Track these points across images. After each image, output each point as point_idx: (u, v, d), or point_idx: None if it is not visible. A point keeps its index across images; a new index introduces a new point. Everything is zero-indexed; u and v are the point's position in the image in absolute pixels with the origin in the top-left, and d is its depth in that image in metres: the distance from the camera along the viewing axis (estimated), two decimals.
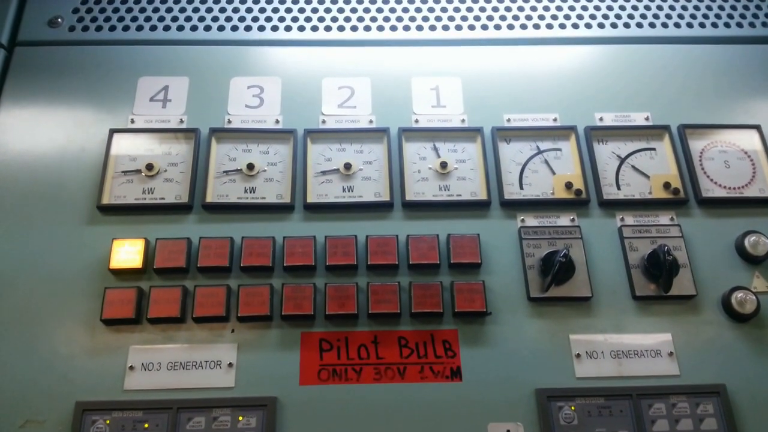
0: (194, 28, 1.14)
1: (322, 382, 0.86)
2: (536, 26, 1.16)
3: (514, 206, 1.00)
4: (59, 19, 1.15)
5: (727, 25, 1.17)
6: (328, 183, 1.01)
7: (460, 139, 1.05)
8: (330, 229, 0.96)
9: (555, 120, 1.07)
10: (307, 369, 0.87)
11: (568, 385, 0.87)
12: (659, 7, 1.20)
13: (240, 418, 0.82)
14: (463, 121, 1.07)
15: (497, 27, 1.16)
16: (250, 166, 0.99)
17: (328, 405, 0.85)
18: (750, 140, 1.06)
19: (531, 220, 0.99)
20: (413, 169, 1.02)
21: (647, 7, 1.20)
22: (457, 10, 1.18)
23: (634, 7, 1.20)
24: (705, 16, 1.19)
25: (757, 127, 1.06)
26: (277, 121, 1.05)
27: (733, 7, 1.20)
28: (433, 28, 1.16)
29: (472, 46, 1.13)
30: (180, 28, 1.14)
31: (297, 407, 0.84)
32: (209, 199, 0.97)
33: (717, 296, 0.93)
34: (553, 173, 1.02)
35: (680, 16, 1.19)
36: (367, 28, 1.15)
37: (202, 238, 0.93)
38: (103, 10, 1.16)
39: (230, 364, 0.86)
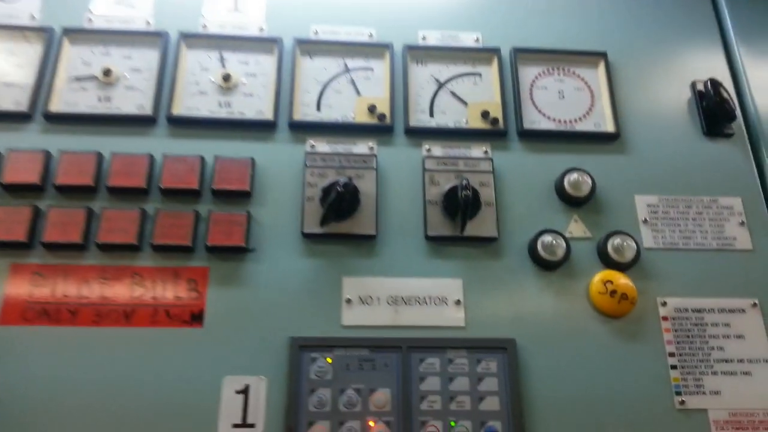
0: None
1: (27, 322, 0.70)
2: None
3: (306, 129, 0.84)
4: None
5: None
6: (83, 91, 0.83)
7: (255, 51, 0.88)
8: (76, 144, 0.80)
9: (371, 36, 0.92)
10: (10, 307, 0.71)
11: (331, 334, 0.73)
12: None
13: None
14: (261, 29, 0.90)
15: None
16: None
17: (31, 351, 0.69)
18: (593, 69, 0.93)
19: (323, 146, 0.84)
20: (191, 80, 0.85)
21: None
22: None
23: None
24: None
25: (603, 55, 0.93)
26: (33, 18, 0.87)
27: None
28: None
29: None
30: None
31: None
32: None
33: (525, 240, 0.81)
34: (359, 95, 0.88)
35: None
36: None
37: None
38: None
39: None
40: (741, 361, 0.76)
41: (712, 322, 0.78)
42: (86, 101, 0.82)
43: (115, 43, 0.86)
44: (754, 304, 0.79)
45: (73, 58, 0.85)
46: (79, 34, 0.86)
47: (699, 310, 0.78)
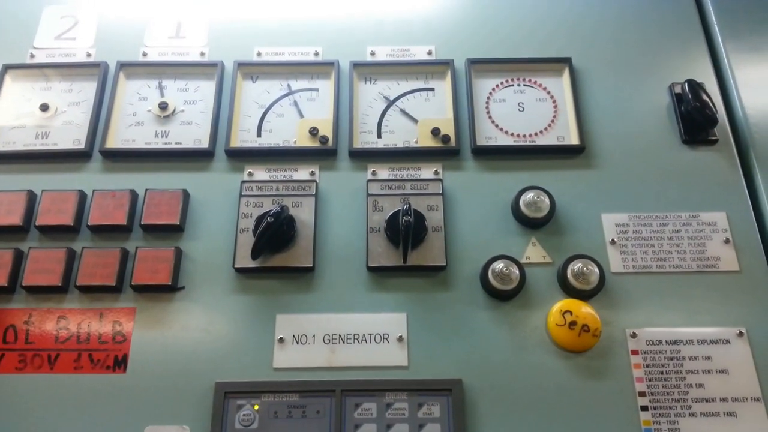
0: None
1: None
2: None
3: (244, 157, 0.80)
4: None
5: None
6: (20, 129, 0.82)
7: (195, 76, 0.85)
8: (12, 183, 0.78)
9: (317, 54, 0.87)
10: None
11: (261, 378, 0.68)
12: None
13: None
14: (202, 54, 0.87)
15: None
16: None
17: None
18: (557, 77, 0.85)
19: (261, 174, 0.79)
20: (128, 111, 0.83)
21: None
22: None
23: None
24: None
25: (568, 60, 0.86)
26: None
27: None
28: None
29: None
30: None
31: None
32: None
33: (476, 268, 0.74)
34: (302, 117, 0.83)
35: None
36: None
37: None
38: None
39: None
40: (724, 400, 0.67)
41: (691, 355, 0.69)
42: (24, 138, 0.81)
43: (57, 77, 0.85)
44: (741, 333, 0.70)
45: (15, 94, 0.84)
46: (19, 70, 0.86)
47: (675, 342, 0.69)
